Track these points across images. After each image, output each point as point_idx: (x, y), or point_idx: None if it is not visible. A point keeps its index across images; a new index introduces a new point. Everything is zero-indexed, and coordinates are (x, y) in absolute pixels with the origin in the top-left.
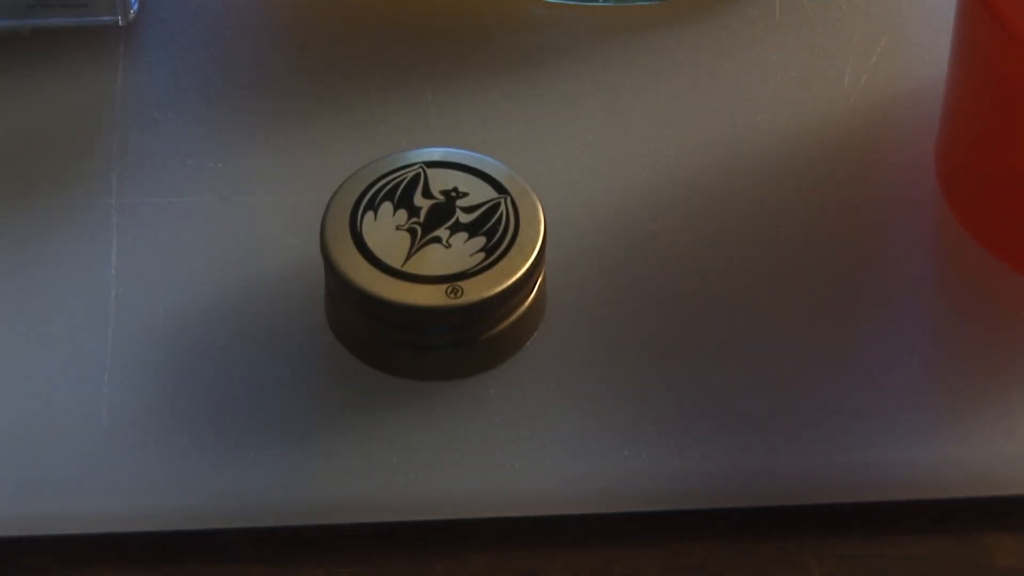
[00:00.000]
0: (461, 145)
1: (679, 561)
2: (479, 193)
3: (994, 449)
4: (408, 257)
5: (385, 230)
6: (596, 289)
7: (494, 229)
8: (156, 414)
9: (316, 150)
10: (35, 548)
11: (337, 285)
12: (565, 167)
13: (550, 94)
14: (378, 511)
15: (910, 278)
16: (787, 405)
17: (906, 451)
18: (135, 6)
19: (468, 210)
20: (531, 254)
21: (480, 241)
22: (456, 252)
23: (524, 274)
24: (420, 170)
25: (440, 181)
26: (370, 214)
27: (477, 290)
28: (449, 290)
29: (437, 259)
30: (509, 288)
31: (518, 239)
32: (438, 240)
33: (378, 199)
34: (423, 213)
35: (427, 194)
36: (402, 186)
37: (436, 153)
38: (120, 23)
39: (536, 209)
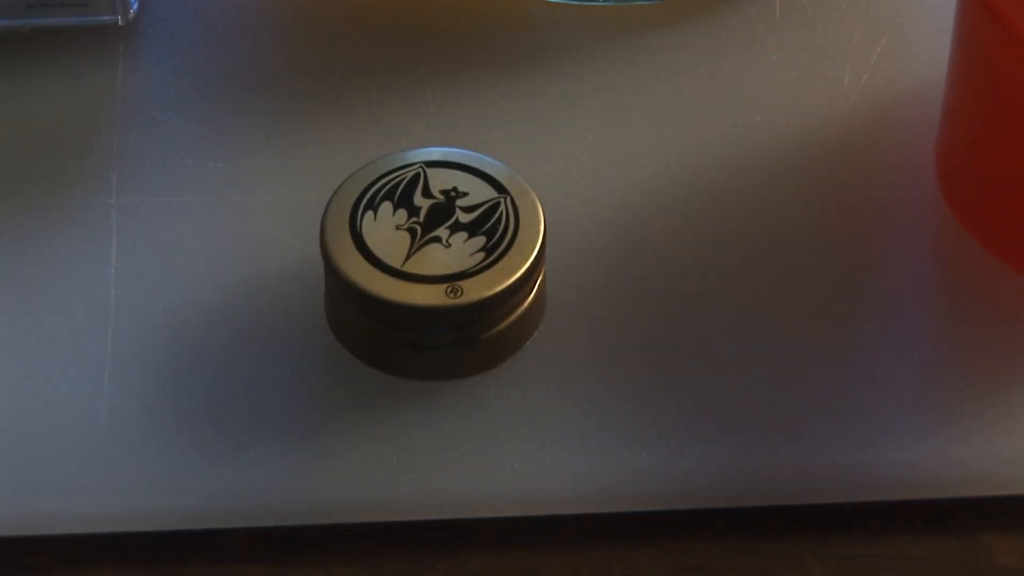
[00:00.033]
0: (461, 145)
1: (679, 561)
2: (479, 193)
3: (994, 449)
4: (408, 257)
5: (385, 230)
6: (596, 289)
7: (494, 229)
8: (156, 414)
9: (316, 150)
10: (35, 548)
11: (337, 285)
12: (565, 167)
13: (550, 94)
14: (378, 511)
15: (910, 278)
16: (787, 405)
17: (906, 451)
18: (135, 6)
19: (468, 210)
20: (531, 254)
21: (480, 241)
22: (456, 252)
23: (524, 274)
24: (420, 170)
25: (440, 181)
26: (370, 214)
27: (477, 290)
28: (449, 290)
29: (437, 259)
30: (509, 288)
31: (518, 239)
32: (438, 240)
33: (378, 199)
34: (423, 213)
35: (427, 194)
36: (402, 186)
37: (436, 153)
38: (120, 23)
39: (536, 209)
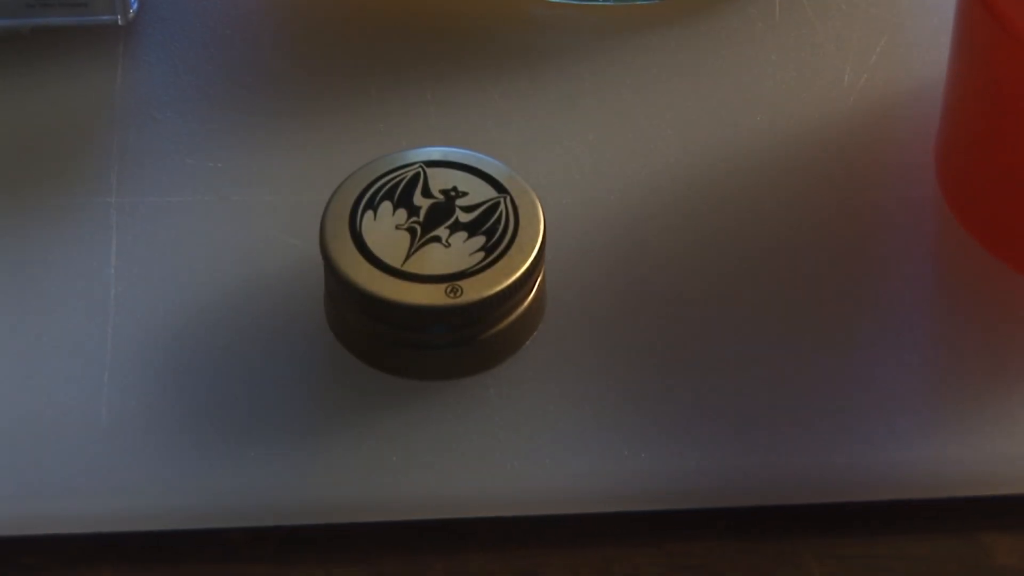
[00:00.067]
0: (461, 145)
1: (679, 561)
2: (479, 192)
3: (994, 449)
4: (408, 256)
5: (385, 229)
6: (596, 289)
7: (494, 228)
8: (156, 414)
9: (316, 150)
10: (35, 548)
11: (337, 285)
12: (565, 167)
13: (550, 94)
14: (378, 511)
15: (910, 278)
16: (787, 405)
17: (906, 451)
18: (134, 5)
19: (468, 209)
20: (531, 253)
21: (480, 240)
22: (456, 251)
23: (524, 273)
24: (420, 169)
25: (440, 180)
26: (370, 213)
27: (477, 289)
28: (449, 289)
29: (437, 258)
30: (509, 287)
31: (518, 238)
32: (438, 239)
33: (378, 198)
34: (423, 212)
35: (427, 193)
36: (402, 185)
37: (436, 152)
38: (120, 22)
39: (536, 208)
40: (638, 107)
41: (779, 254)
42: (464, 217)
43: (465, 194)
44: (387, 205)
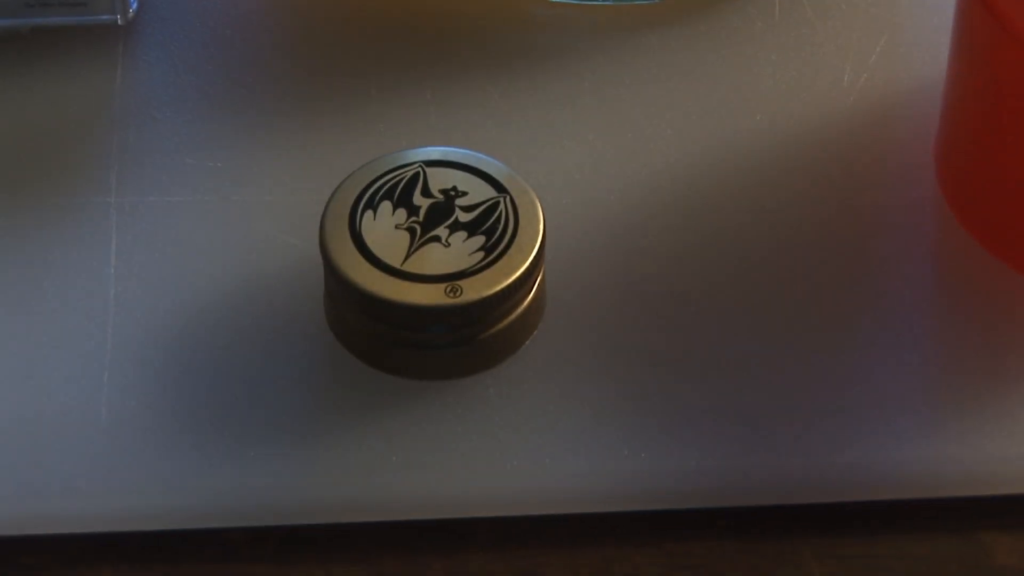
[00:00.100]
0: (461, 145)
1: (679, 561)
2: (478, 192)
3: (993, 448)
4: (407, 256)
5: (384, 229)
6: (595, 288)
7: (493, 228)
8: (156, 414)
9: (316, 150)
10: (35, 548)
11: (337, 284)
12: (565, 167)
13: (550, 94)
14: (378, 511)
15: (910, 278)
16: (787, 405)
17: (906, 451)
18: (134, 5)
19: (467, 209)
20: (530, 253)
21: (479, 240)
22: (455, 251)
23: (523, 273)
24: (419, 169)
25: (439, 180)
26: (369, 213)
27: (476, 289)
28: (448, 289)
29: (436, 258)
30: (508, 287)
31: (517, 238)
32: (437, 239)
33: (377, 198)
34: (422, 212)
35: (426, 193)
36: (401, 185)
37: (435, 152)
38: (119, 22)
39: (535, 208)
40: (638, 107)
41: (779, 254)
42: (464, 217)
43: (465, 194)
44: (387, 205)
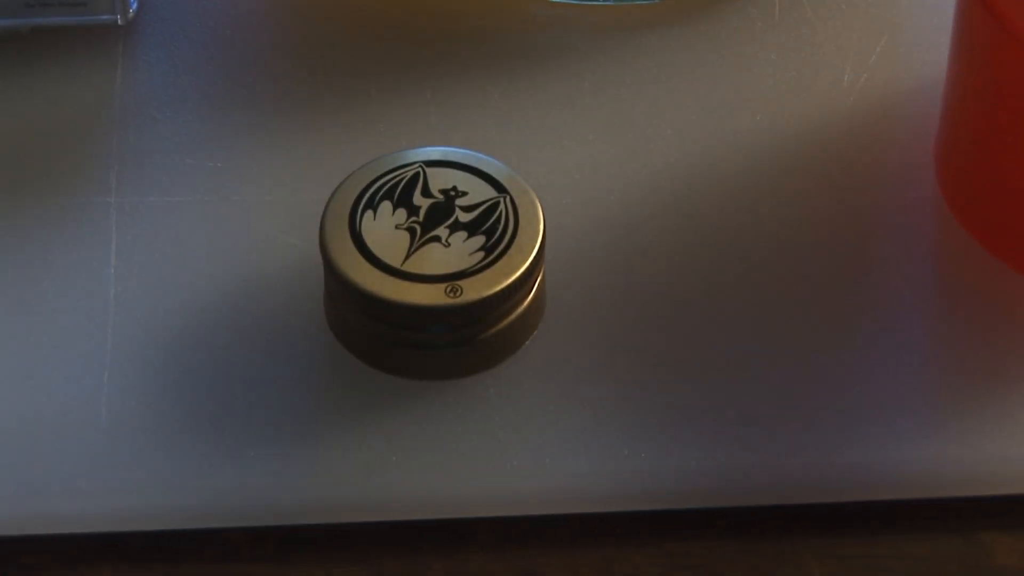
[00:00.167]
0: (461, 145)
1: (679, 561)
2: (478, 192)
3: (993, 448)
4: (407, 256)
5: (384, 229)
6: (596, 289)
7: (493, 228)
8: (156, 414)
9: (316, 150)
10: (35, 548)
11: (337, 284)
12: (565, 167)
13: (550, 94)
14: (378, 511)
15: (910, 278)
16: (787, 405)
17: (906, 451)
18: (134, 5)
19: (467, 209)
20: (530, 253)
21: (479, 240)
22: (455, 251)
23: (523, 273)
24: (419, 169)
25: (439, 180)
26: (369, 213)
27: (476, 289)
28: (448, 289)
29: (436, 258)
30: (508, 287)
31: (517, 238)
32: (437, 239)
33: (377, 198)
34: (422, 212)
35: (426, 193)
36: (401, 185)
37: (435, 152)
38: (119, 22)
39: (535, 208)
40: (638, 107)
41: (779, 254)
42: (464, 217)
43: (465, 194)
44: (387, 205)
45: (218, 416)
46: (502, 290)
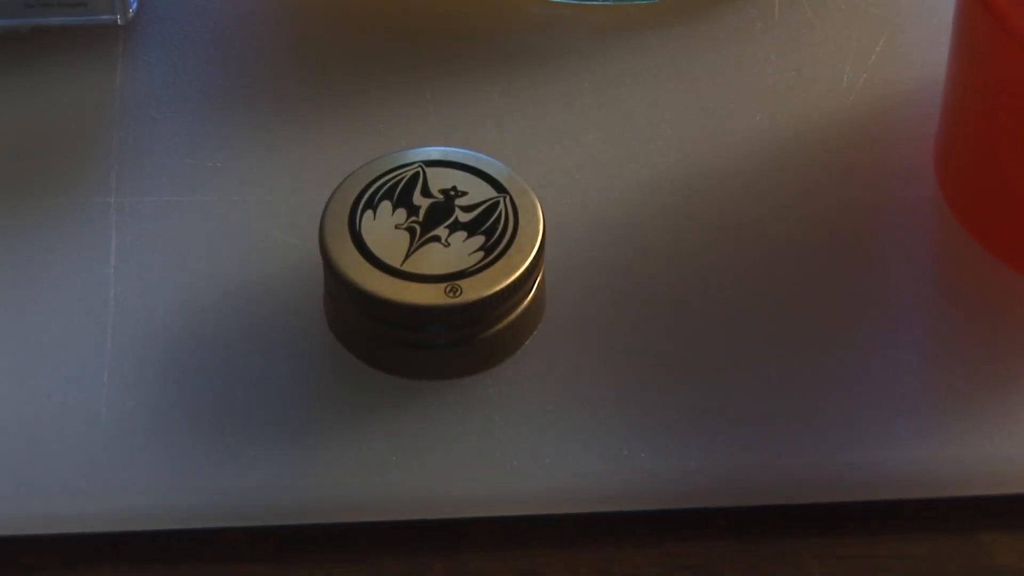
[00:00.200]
0: (460, 144)
1: (679, 561)
2: (478, 192)
3: (993, 448)
4: (407, 256)
5: (384, 229)
6: (595, 288)
7: (493, 228)
8: (156, 414)
9: (316, 150)
10: (35, 548)
11: (336, 284)
12: (565, 167)
13: (550, 94)
14: (378, 511)
15: (910, 278)
16: (787, 405)
17: (905, 450)
18: (134, 5)
19: (467, 209)
20: (530, 253)
21: (479, 240)
22: (455, 251)
23: (523, 273)
24: (419, 169)
25: (439, 180)
26: (369, 213)
27: (476, 289)
28: (448, 289)
29: (436, 258)
30: (508, 287)
31: (517, 238)
32: (437, 239)
33: (377, 198)
34: (422, 212)
35: (426, 193)
36: (401, 185)
37: (435, 152)
38: (119, 22)
39: (535, 208)
40: (638, 107)
41: (779, 254)
42: (463, 217)
43: (464, 194)
44: (386, 205)
45: (218, 416)
46: (502, 290)
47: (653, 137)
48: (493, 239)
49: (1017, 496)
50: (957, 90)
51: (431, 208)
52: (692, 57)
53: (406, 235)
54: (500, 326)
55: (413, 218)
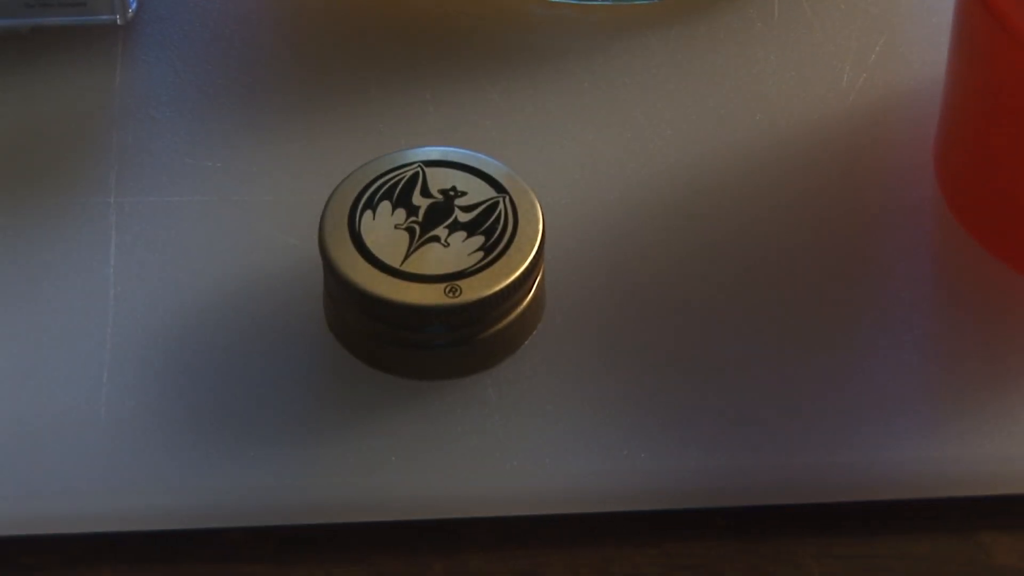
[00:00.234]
0: (460, 144)
1: (679, 561)
2: (477, 192)
3: (993, 448)
4: (407, 256)
5: (384, 229)
6: (595, 288)
7: (492, 228)
8: (155, 414)
9: (315, 150)
10: (35, 548)
11: (336, 284)
12: (565, 167)
13: (549, 94)
14: (378, 511)
15: (910, 278)
16: (787, 405)
17: (906, 451)
18: (133, 5)
19: (466, 209)
20: (529, 253)
21: (478, 240)
22: (454, 251)
23: (522, 273)
24: (419, 169)
25: (439, 180)
26: (369, 213)
27: (475, 289)
28: (447, 289)
29: (435, 258)
30: (507, 287)
31: (516, 238)
32: (436, 239)
33: (376, 198)
34: (422, 212)
35: (426, 193)
36: (400, 185)
37: (435, 152)
38: (118, 22)
39: (535, 208)
40: (638, 107)
41: (779, 254)
42: (463, 217)
43: (464, 194)
44: (386, 205)
45: (218, 416)
46: (501, 290)
47: (653, 137)
48: (493, 239)
49: (1017, 496)
50: (957, 90)
51: (431, 208)
52: (692, 57)
53: (406, 235)
54: (500, 326)
55: (413, 218)
